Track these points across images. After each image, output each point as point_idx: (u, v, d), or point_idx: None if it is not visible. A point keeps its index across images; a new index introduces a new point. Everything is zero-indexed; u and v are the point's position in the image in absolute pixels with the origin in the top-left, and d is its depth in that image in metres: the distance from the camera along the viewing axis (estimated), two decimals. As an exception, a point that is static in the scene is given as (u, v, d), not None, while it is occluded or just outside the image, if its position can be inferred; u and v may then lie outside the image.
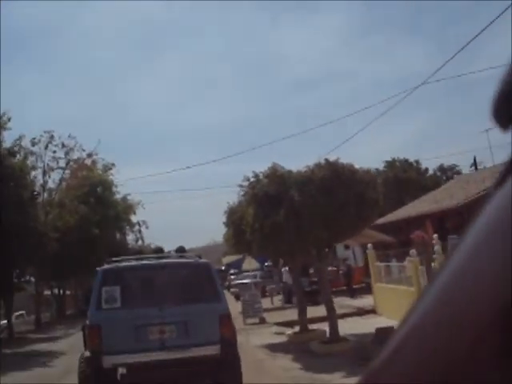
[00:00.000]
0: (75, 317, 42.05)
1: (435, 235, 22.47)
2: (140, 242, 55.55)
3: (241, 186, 16.54)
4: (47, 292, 46.90)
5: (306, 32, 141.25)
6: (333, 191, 14.81)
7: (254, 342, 19.96)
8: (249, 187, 16.10)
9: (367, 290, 32.60)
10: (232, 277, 57.18)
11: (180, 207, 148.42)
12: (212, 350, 9.71)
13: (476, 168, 43.26)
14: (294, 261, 19.66)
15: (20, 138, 29.75)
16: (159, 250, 12.89)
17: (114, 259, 11.09)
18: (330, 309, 16.87)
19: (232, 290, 42.79)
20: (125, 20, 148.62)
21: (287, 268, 32.72)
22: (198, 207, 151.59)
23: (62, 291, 46.67)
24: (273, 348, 18.16)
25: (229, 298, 38.46)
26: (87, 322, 10.06)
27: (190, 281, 10.61)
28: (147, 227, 53.48)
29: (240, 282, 42.43)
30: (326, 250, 16.54)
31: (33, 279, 36.82)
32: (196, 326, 9.78)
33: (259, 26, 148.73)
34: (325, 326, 20.65)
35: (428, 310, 0.61)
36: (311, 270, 36.29)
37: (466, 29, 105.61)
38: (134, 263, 10.91)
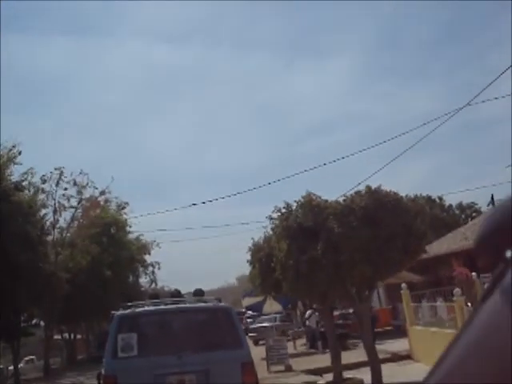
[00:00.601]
0: (86, 363, 40.12)
1: (474, 273, 20.69)
2: (154, 285, 53.75)
3: (270, 218, 14.80)
4: (57, 336, 45.06)
5: (318, 77, 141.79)
6: (377, 222, 13.10)
7: (283, 393, 18.07)
8: (280, 219, 14.36)
9: (396, 333, 30.65)
10: (248, 320, 54.97)
11: (191, 248, 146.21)
12: None
13: (494, 206, 41.32)
14: (325, 302, 17.80)
15: (29, 172, 28.07)
16: (177, 294, 11.93)
17: (130, 304, 10.35)
18: (373, 355, 14.98)
19: (250, 334, 40.58)
20: (138, 65, 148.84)
21: (311, 310, 30.80)
22: (210, 248, 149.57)
23: (72, 335, 44.68)
24: (306, 401, 16.21)
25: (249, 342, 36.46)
26: (102, 371, 9.40)
27: (210, 326, 10.07)
28: (159, 268, 51.65)
29: (259, 325, 40.45)
30: (367, 291, 14.74)
31: (42, 323, 34.93)
32: (217, 375, 9.08)
33: (272, 72, 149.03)
34: (359, 374, 18.77)
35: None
36: (335, 312, 34.43)
37: (472, 72, 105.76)
38: (151, 308, 10.14)
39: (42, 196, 32.42)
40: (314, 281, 13.44)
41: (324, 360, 25.11)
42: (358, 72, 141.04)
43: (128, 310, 9.91)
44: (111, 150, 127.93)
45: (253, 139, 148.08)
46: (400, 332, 30.14)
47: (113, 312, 10.06)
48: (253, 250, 18.08)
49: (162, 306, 10.24)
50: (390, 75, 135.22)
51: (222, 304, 10.51)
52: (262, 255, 16.88)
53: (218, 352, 9.29)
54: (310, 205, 13.69)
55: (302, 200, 13.96)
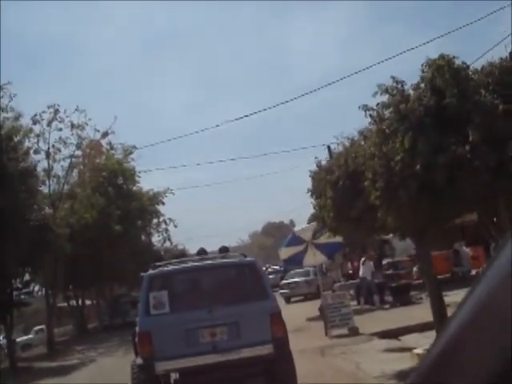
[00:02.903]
0: (98, 333, 35.28)
1: None
2: (168, 243, 48.60)
3: (366, 108, 9.37)
4: (63, 304, 40.15)
5: (315, 27, 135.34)
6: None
7: (368, 368, 12.93)
8: (392, 103, 8.93)
9: (458, 282, 25.68)
10: (270, 276, 50.30)
11: (200, 207, 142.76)
12: (265, 350, 9.38)
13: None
14: (425, 240, 12.50)
15: (3, 88, 21.98)
16: (202, 252, 11.74)
17: (158, 264, 10.80)
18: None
19: (281, 291, 35.83)
20: (134, 26, 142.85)
21: (364, 259, 25.65)
22: (219, 206, 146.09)
23: (80, 302, 39.52)
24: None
25: (280, 300, 31.39)
26: (136, 329, 9.92)
27: (238, 280, 10.60)
28: (175, 226, 46.16)
29: (290, 280, 35.70)
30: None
31: (37, 289, 29.63)
32: (247, 326, 9.49)
33: (268, 24, 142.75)
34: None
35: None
36: (384, 261, 29.41)
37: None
38: (179, 266, 10.62)
39: (33, 139, 27.01)
40: (455, 197, 8.19)
41: (389, 318, 20.10)
42: (358, 20, 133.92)
43: (157, 270, 10.22)
44: (112, 112, 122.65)
45: (252, 95, 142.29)
46: (464, 281, 25.25)
47: (142, 274, 10.46)
48: (318, 173, 12.86)
49: (190, 264, 10.68)
50: (393, 22, 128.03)
51: (248, 258, 10.84)
52: (337, 177, 11.66)
53: (247, 304, 9.64)
54: (445, 71, 8.20)
55: (431, 63, 8.41)
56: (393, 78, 8.99)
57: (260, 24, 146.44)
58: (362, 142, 11.70)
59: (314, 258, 24.91)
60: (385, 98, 9.14)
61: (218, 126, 28.11)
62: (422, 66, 8.65)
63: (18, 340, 34.46)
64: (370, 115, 9.39)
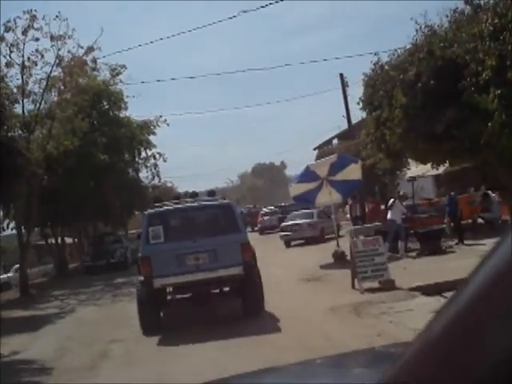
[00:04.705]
0: (79, 274, 31.89)
1: None
2: (156, 180, 44.90)
3: None
4: (42, 242, 36.68)
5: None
6: None
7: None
8: None
9: (486, 230, 22.49)
10: (265, 218, 47.44)
11: (191, 143, 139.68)
12: (236, 271, 12.13)
13: None
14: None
15: None
16: (194, 195, 14.58)
17: (157, 204, 13.45)
18: None
19: (283, 233, 32.75)
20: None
21: (394, 200, 22.07)
22: (209, 145, 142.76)
23: (60, 240, 35.94)
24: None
25: (278, 244, 28.25)
26: (139, 254, 12.59)
27: (217, 218, 13.17)
28: (165, 160, 42.29)
29: (291, 223, 32.48)
30: None
31: (10, 226, 26.03)
32: (223, 253, 12.14)
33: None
34: None
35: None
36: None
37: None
38: (172, 207, 13.25)
39: (4, 50, 23.01)
40: None
41: (423, 269, 16.83)
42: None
43: (155, 209, 13.07)
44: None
45: (240, 37, 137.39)
46: (492, 229, 22.15)
47: (145, 212, 14.29)
48: (380, 74, 9.34)
49: (181, 205, 13.36)
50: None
51: (226, 201, 13.81)
52: (414, 75, 8.18)
53: (223, 236, 12.33)
54: None
55: None
56: None
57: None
58: (452, 26, 8.20)
59: (329, 196, 21.60)
60: None
61: (233, 17, 23.41)
62: None
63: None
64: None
